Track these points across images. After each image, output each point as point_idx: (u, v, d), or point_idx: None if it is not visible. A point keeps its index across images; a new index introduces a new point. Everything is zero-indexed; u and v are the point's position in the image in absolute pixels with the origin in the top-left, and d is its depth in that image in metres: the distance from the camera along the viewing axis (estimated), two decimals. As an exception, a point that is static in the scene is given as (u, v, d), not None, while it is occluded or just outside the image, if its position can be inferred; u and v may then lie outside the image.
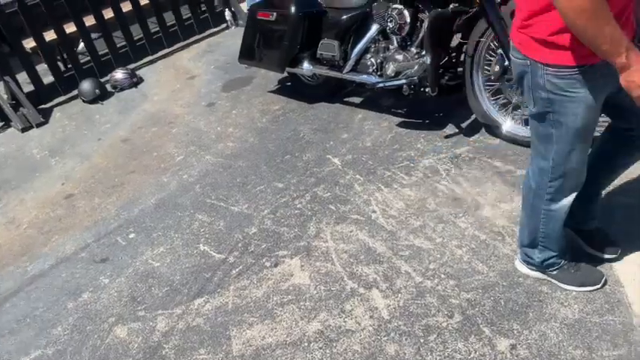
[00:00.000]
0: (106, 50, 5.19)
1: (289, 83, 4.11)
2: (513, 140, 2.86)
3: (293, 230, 2.67)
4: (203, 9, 5.75)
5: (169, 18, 5.49)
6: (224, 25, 5.57)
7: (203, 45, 5.49)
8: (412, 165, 2.94)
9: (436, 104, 3.33)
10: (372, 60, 3.27)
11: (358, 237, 2.52)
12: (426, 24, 2.80)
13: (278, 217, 2.78)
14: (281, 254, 2.54)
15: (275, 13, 3.53)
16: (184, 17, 5.57)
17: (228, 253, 2.63)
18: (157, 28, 5.43)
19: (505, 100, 2.88)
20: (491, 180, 2.67)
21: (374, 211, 2.66)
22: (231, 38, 5.23)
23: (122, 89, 4.84)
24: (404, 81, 3.01)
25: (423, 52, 2.90)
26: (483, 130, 3.04)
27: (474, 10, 2.73)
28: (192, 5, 5.56)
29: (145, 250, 2.80)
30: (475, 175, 2.73)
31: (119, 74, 4.88)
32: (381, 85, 3.16)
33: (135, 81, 4.90)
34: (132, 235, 2.94)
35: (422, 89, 3.03)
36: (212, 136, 3.78)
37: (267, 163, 3.29)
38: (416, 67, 2.92)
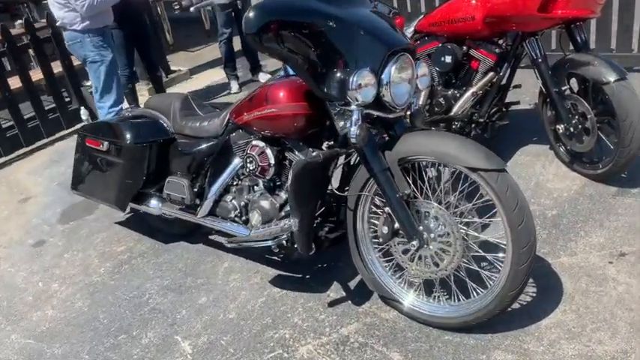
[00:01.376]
0: None
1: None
2: (414, 317, 2.20)
3: None
4: (52, 106, 4.83)
5: (6, 118, 4.52)
6: (79, 126, 4.69)
7: (50, 151, 4.56)
8: (286, 356, 2.18)
9: (317, 254, 2.64)
10: (234, 202, 2.54)
11: None
12: (290, 176, 2.10)
13: None
14: None
15: (106, 142, 2.73)
16: (27, 117, 4.61)
17: None
18: (-11, 132, 4.44)
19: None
20: (387, 389, 1.97)
21: None
22: (86, 142, 4.34)
23: None
24: (270, 243, 2.29)
25: (288, 208, 2.21)
26: (375, 295, 2.38)
27: (351, 154, 2.11)
28: (35, 103, 4.62)
29: None
30: (366, 378, 2.02)
31: None
32: (244, 244, 2.42)
33: (-52, 205, 3.84)
34: None
35: (295, 246, 2.33)
36: (29, 298, 2.82)
37: (92, 350, 2.39)
38: (281, 229, 2.22)
